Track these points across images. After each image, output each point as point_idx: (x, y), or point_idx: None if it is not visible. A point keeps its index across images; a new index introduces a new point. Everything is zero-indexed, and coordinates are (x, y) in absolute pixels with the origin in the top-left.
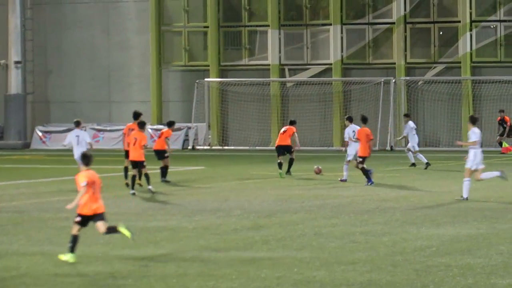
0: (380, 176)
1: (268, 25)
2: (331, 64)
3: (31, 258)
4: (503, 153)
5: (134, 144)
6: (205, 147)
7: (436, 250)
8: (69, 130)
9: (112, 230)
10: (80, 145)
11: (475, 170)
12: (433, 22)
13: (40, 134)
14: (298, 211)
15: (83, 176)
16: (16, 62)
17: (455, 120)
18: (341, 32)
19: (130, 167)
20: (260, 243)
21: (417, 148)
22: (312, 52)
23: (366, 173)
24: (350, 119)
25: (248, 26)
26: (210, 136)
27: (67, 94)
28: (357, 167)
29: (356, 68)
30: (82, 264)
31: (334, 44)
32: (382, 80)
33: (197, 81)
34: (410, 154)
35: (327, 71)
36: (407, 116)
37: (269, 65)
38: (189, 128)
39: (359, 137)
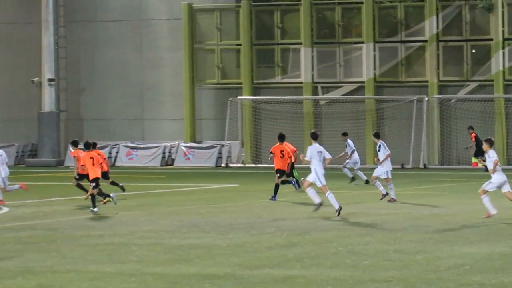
0: (413, 194)
1: (301, 43)
2: (364, 82)
3: (64, 275)
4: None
5: (94, 164)
6: (239, 165)
7: (469, 269)
8: (102, 148)
9: None
10: (4, 165)
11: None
12: (466, 40)
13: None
14: (331, 229)
15: None
16: (50, 80)
17: None
18: (374, 50)
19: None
20: (293, 261)
21: (349, 165)
22: (345, 70)
23: (277, 189)
24: (377, 136)
25: (280, 44)
26: (243, 154)
27: (100, 111)
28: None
29: (388, 86)
30: (115, 281)
31: (367, 62)
32: (415, 98)
33: (230, 99)
34: (346, 170)
35: (360, 89)
36: (345, 134)
37: (302, 83)
38: (223, 146)
39: (274, 151)
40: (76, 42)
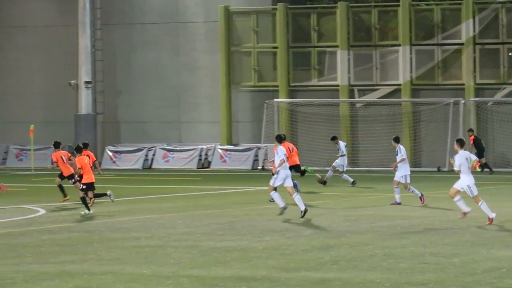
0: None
1: (337, 46)
2: (400, 85)
3: (101, 278)
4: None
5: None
6: None
7: (506, 272)
8: (139, 150)
9: None
10: None
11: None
12: (502, 43)
13: (110, 154)
14: (367, 232)
15: None
16: (86, 82)
17: None
18: (410, 53)
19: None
20: (330, 264)
21: (341, 169)
22: (381, 73)
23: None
24: (397, 140)
25: (317, 46)
26: None
27: (137, 114)
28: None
29: (425, 89)
30: (152, 283)
31: (403, 65)
32: (452, 101)
33: (266, 101)
34: (345, 176)
35: (396, 92)
36: (334, 139)
37: (338, 85)
38: (259, 148)
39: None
40: (113, 44)
